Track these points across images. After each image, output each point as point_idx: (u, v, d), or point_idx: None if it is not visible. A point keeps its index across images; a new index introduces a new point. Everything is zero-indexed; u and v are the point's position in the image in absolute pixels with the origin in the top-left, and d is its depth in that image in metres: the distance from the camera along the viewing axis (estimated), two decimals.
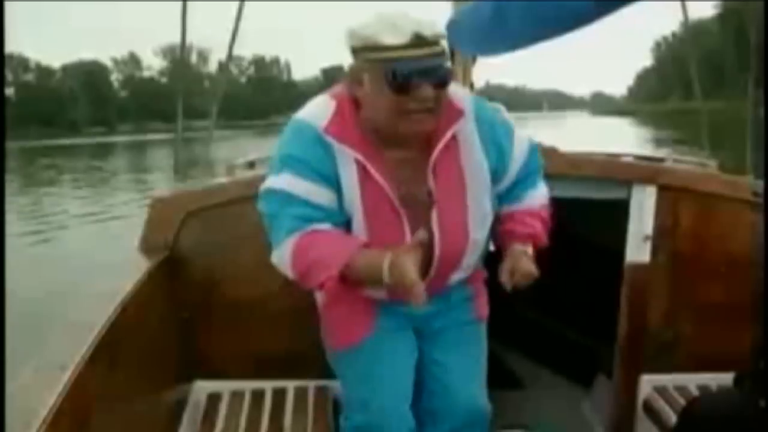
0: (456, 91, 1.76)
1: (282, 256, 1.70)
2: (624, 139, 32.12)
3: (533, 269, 1.78)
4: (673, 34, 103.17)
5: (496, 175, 1.84)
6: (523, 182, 1.94)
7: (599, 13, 1.47)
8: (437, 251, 1.74)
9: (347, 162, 1.67)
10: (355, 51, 1.63)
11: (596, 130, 44.66)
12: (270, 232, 1.74)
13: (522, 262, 1.78)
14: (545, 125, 50.41)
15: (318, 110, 1.70)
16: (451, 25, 2.55)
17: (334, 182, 1.68)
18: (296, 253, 1.65)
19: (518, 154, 1.89)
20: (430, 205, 1.73)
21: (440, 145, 1.70)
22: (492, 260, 2.09)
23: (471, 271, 1.95)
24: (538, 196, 1.98)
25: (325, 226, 1.68)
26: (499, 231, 1.93)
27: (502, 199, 1.93)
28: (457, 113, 1.73)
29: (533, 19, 1.83)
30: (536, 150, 1.97)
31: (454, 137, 1.73)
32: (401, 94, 1.56)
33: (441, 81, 1.59)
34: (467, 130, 1.76)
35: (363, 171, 1.67)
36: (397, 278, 1.51)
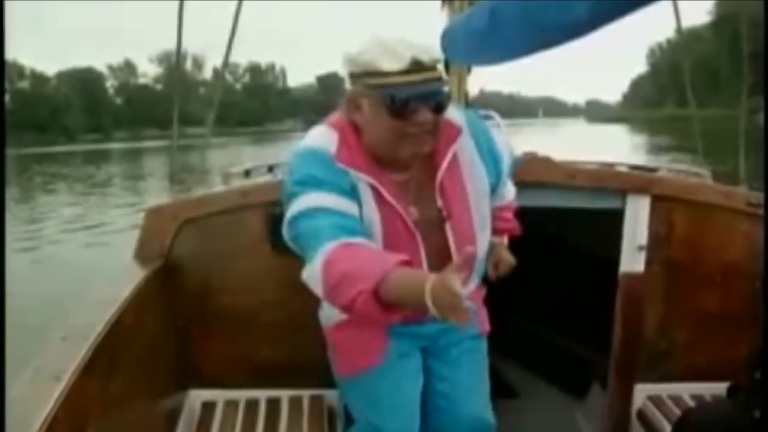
0: (451, 109, 1.77)
1: (313, 268, 1.57)
2: (622, 146, 32.21)
3: (512, 259, 2.03)
4: (668, 41, 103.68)
5: (495, 182, 1.90)
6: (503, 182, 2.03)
7: (594, 25, 1.49)
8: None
9: (363, 187, 1.68)
10: (353, 76, 1.64)
11: (594, 137, 44.74)
12: (305, 252, 1.63)
13: (504, 255, 2.02)
14: (542, 133, 50.55)
15: (323, 139, 1.70)
16: (446, 35, 2.57)
17: (356, 201, 1.67)
18: (328, 264, 1.53)
19: (506, 160, 1.96)
20: (442, 223, 1.75)
21: (444, 165, 1.74)
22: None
23: (476, 284, 1.99)
24: (510, 190, 2.13)
25: (361, 239, 1.60)
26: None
27: None
28: (456, 132, 1.76)
29: (528, 31, 1.84)
30: (511, 152, 2.07)
31: (454, 155, 1.76)
32: (400, 119, 1.58)
33: (439, 105, 1.61)
34: (465, 147, 1.79)
35: (377, 195, 1.69)
36: (446, 298, 1.37)
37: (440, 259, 1.67)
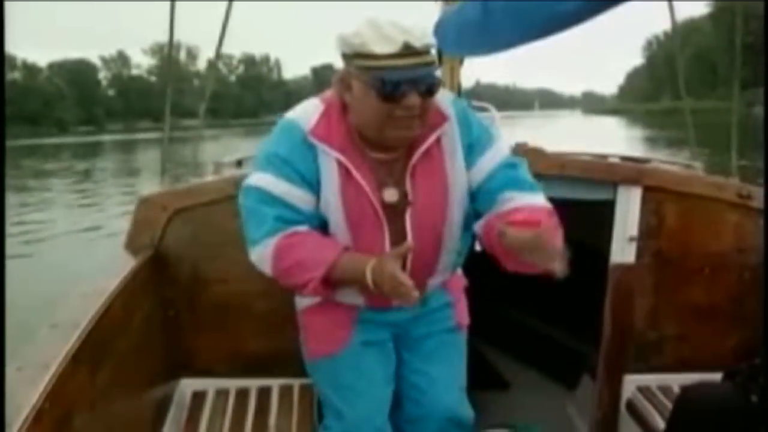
0: (440, 95, 1.77)
1: (262, 255, 1.74)
2: (619, 139, 32.19)
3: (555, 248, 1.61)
4: (665, 33, 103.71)
5: (473, 177, 1.82)
6: (512, 188, 1.80)
7: (583, 16, 1.50)
8: (412, 256, 1.75)
9: (329, 163, 1.70)
10: (346, 57, 1.66)
11: (592, 129, 44.74)
12: (247, 226, 1.78)
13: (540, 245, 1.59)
14: (539, 125, 50.47)
15: (306, 112, 1.75)
16: (439, 26, 2.58)
17: (315, 184, 1.72)
18: (278, 254, 1.71)
19: (494, 154, 1.82)
20: (405, 207, 1.76)
21: (422, 149, 1.73)
22: (477, 262, 2.11)
23: (448, 275, 1.98)
24: (541, 201, 1.84)
25: (304, 228, 1.73)
26: (507, 217, 1.70)
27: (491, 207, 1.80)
28: (441, 118, 1.76)
29: (519, 21, 1.86)
30: (520, 163, 1.88)
31: (437, 141, 1.76)
32: (389, 102, 1.59)
33: (429, 90, 1.62)
34: (451, 135, 1.79)
35: (345, 172, 1.71)
36: (387, 280, 1.57)
37: (400, 244, 1.70)
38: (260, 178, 1.72)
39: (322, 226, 1.77)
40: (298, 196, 1.71)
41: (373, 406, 1.97)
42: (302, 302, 2.02)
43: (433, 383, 2.01)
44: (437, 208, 1.78)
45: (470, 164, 1.81)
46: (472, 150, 1.81)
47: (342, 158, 1.69)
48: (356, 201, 1.72)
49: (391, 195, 1.75)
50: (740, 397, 1.87)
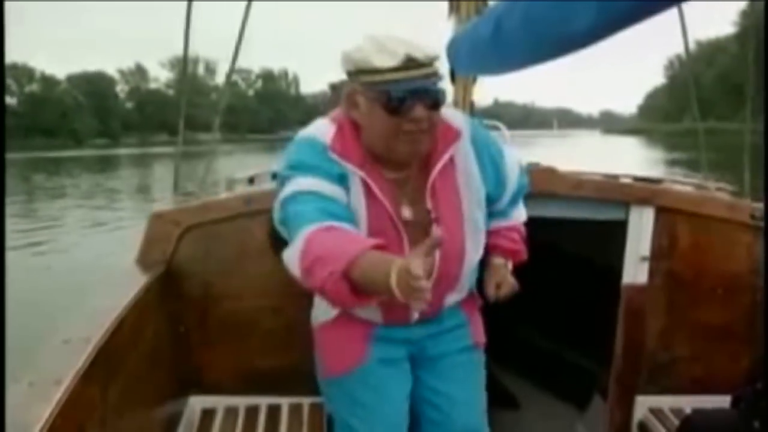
0: (452, 112, 1.82)
1: (292, 252, 1.59)
2: (642, 160, 31.88)
3: (515, 283, 1.96)
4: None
5: (494, 194, 1.90)
6: (511, 201, 2.01)
7: (598, 36, 1.53)
8: (435, 272, 1.71)
9: (353, 179, 1.71)
10: (350, 74, 1.68)
11: (613, 150, 44.39)
12: (291, 236, 1.64)
13: (506, 276, 1.96)
14: (558, 145, 50.26)
15: (319, 130, 1.75)
16: (451, 45, 2.61)
17: (345, 190, 1.70)
18: (307, 246, 1.55)
19: (512, 175, 1.95)
20: (429, 225, 1.76)
21: (438, 166, 1.75)
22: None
23: (465, 293, 1.99)
24: (521, 213, 2.09)
25: (344, 224, 1.62)
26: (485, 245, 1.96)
27: (490, 216, 1.97)
28: (455, 135, 1.78)
29: (532, 40, 1.89)
30: (523, 171, 2.04)
31: (451, 158, 1.78)
32: (395, 116, 1.61)
33: (434, 102, 1.64)
34: (464, 152, 1.81)
35: (367, 190, 1.71)
36: (405, 281, 1.38)
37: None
38: (295, 184, 1.66)
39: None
40: (335, 190, 1.67)
41: (389, 425, 1.96)
42: (318, 318, 1.98)
43: (453, 404, 2.00)
44: (458, 225, 1.80)
45: (496, 183, 1.90)
46: (495, 170, 1.88)
47: (363, 175, 1.70)
48: (379, 219, 1.72)
49: (409, 213, 1.76)
50: (743, 423, 1.87)
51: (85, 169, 36.92)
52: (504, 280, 1.95)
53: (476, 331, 2.08)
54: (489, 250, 1.99)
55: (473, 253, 1.86)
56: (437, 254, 1.69)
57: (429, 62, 1.63)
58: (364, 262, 1.46)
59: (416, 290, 1.35)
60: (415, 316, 1.85)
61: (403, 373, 1.99)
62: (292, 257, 1.59)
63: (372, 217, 1.71)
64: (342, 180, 1.69)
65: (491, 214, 1.98)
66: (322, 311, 1.95)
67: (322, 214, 1.60)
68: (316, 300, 1.97)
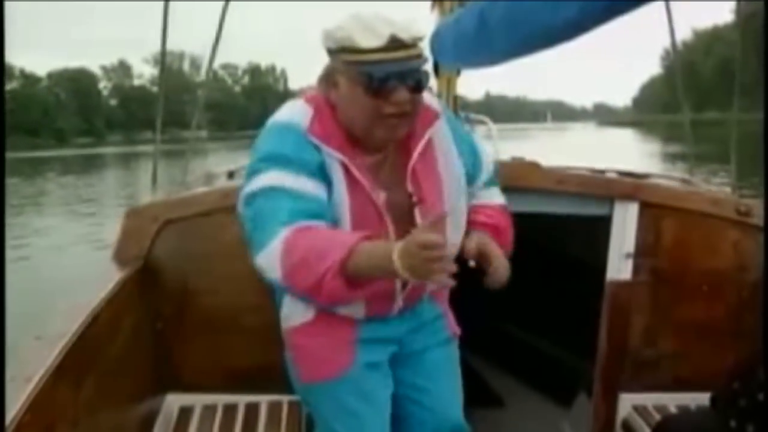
0: (428, 95, 1.81)
1: (270, 255, 1.55)
2: (645, 154, 31.74)
3: (504, 261, 1.86)
4: (684, 43, 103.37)
5: (472, 172, 1.93)
6: (487, 183, 2.05)
7: (583, 27, 1.54)
8: None
9: (333, 164, 1.67)
10: (331, 52, 1.65)
11: (609, 143, 44.29)
12: (254, 233, 1.62)
13: (493, 247, 1.86)
14: (552, 138, 50.23)
15: (295, 113, 1.70)
16: (435, 37, 2.63)
17: (324, 181, 1.66)
18: (288, 248, 1.52)
19: (484, 153, 2.00)
20: (411, 208, 1.75)
21: (419, 148, 1.74)
22: (471, 275, 2.14)
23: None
24: (497, 196, 2.07)
25: (321, 223, 1.60)
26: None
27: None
28: (433, 116, 1.78)
29: (517, 31, 1.90)
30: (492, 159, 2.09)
31: (430, 140, 1.78)
32: (376, 98, 1.58)
33: (417, 84, 1.62)
34: (442, 133, 1.82)
35: (348, 174, 1.68)
36: (415, 254, 1.37)
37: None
38: (268, 178, 1.61)
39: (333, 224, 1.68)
40: (312, 185, 1.62)
41: (375, 430, 1.93)
42: (290, 322, 1.91)
43: (437, 399, 2.01)
44: (439, 207, 1.78)
45: (474, 165, 1.93)
46: (472, 151, 1.92)
47: (343, 158, 1.67)
48: (361, 203, 1.69)
49: (389, 196, 1.73)
50: (720, 422, 1.89)
51: (67, 171, 36.19)
52: (487, 249, 1.84)
53: (451, 322, 2.08)
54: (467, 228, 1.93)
55: (455, 236, 1.84)
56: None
57: (414, 43, 1.61)
58: (360, 250, 1.46)
59: (435, 260, 1.34)
60: (398, 305, 1.83)
61: (387, 376, 1.97)
62: (269, 260, 1.56)
63: (354, 202, 1.68)
64: (320, 169, 1.65)
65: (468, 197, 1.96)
66: (297, 313, 1.88)
67: (297, 214, 1.57)
68: (287, 301, 1.91)
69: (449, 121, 1.88)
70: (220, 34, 3.37)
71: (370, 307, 1.82)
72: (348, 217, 1.68)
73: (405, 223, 1.69)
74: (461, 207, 1.86)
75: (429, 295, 1.97)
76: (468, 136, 1.96)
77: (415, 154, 1.75)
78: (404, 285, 1.78)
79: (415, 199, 1.75)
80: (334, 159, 1.67)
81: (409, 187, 1.75)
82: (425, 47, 1.71)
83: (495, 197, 2.07)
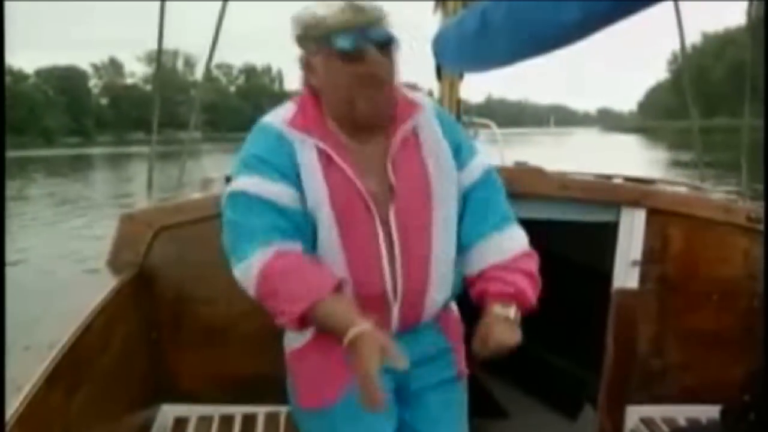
0: (412, 92, 1.87)
1: (248, 273, 1.67)
2: (656, 161, 31.60)
3: (512, 338, 1.72)
4: (693, 46, 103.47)
5: (462, 162, 1.88)
6: (490, 218, 1.88)
7: (585, 30, 1.56)
8: (398, 252, 1.73)
9: (309, 152, 1.72)
10: (300, 39, 1.74)
11: (618, 149, 44.20)
12: (231, 239, 1.72)
13: (497, 330, 1.71)
14: (555, 144, 50.14)
15: (279, 112, 1.80)
16: (438, 39, 2.65)
17: (294, 178, 1.71)
18: (265, 275, 1.64)
19: (476, 166, 1.89)
20: (392, 199, 1.75)
21: (399, 136, 1.77)
22: (472, 313, 2.10)
23: (444, 294, 1.87)
24: (513, 242, 1.88)
25: (297, 245, 1.67)
26: (475, 291, 1.85)
27: (465, 238, 1.86)
28: (415, 106, 1.82)
29: (519, 34, 1.92)
30: (496, 178, 1.92)
31: (414, 132, 1.81)
32: (350, 63, 1.67)
33: (386, 42, 1.69)
34: (428, 125, 1.83)
35: (326, 159, 1.72)
36: (359, 370, 1.46)
37: (388, 235, 1.72)
38: (242, 183, 1.72)
39: (313, 226, 1.72)
40: (285, 193, 1.69)
41: None
42: (293, 341, 1.90)
43: None
44: (421, 198, 1.78)
45: (458, 161, 1.86)
46: (458, 149, 1.86)
47: (321, 144, 1.72)
48: (341, 187, 1.71)
49: (373, 184, 1.74)
50: None
51: (53, 173, 35.52)
52: (492, 334, 1.70)
53: (459, 359, 1.99)
54: (481, 297, 1.81)
55: (443, 232, 1.79)
56: (395, 237, 1.73)
57: (377, 14, 1.69)
58: (322, 309, 1.57)
59: (365, 389, 1.44)
60: (395, 323, 1.79)
61: (389, 408, 1.83)
62: (246, 277, 1.69)
63: (334, 187, 1.70)
64: (296, 165, 1.71)
65: (465, 237, 1.86)
66: (293, 335, 1.88)
67: (275, 232, 1.66)
68: None
69: (445, 121, 1.89)
70: (217, 36, 3.38)
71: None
72: (329, 206, 1.70)
73: (384, 212, 1.73)
74: (451, 207, 1.82)
75: (438, 326, 1.92)
76: (462, 140, 1.91)
77: (396, 142, 1.77)
78: (400, 304, 1.76)
79: (393, 191, 1.75)
80: (311, 147, 1.72)
81: (390, 178, 1.76)
82: (388, 22, 1.74)
83: (517, 241, 1.89)
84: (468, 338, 2.01)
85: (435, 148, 1.82)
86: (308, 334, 1.83)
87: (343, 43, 1.66)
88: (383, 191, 1.76)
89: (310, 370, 1.88)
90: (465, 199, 1.87)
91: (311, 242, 1.73)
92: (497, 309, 1.76)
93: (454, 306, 2.03)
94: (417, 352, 1.80)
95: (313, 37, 1.71)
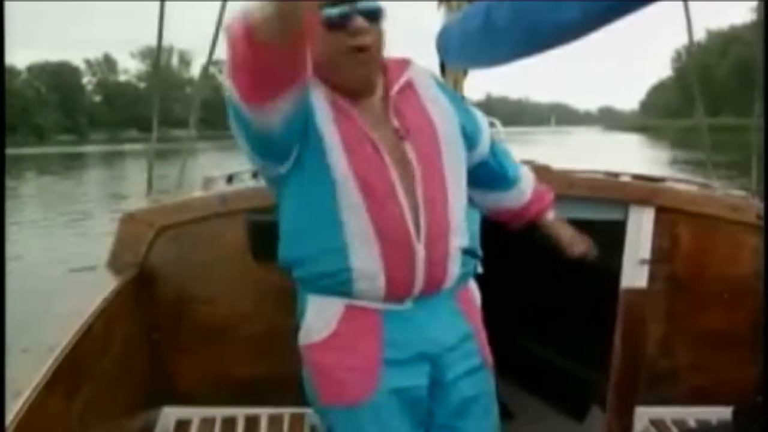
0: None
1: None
2: (659, 160, 31.55)
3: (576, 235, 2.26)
4: (697, 43, 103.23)
5: (471, 139, 1.99)
6: (510, 172, 2.18)
7: (588, 27, 1.57)
8: (419, 190, 1.75)
9: (318, 99, 1.75)
10: None
11: (621, 148, 44.11)
12: None
13: (565, 229, 2.27)
14: (556, 143, 50.15)
15: None
16: (441, 35, 2.66)
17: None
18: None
19: (484, 125, 2.10)
20: (401, 141, 1.79)
21: (396, 87, 1.83)
22: (481, 286, 2.07)
23: (464, 239, 1.87)
24: (530, 175, 2.28)
25: None
26: (521, 214, 2.23)
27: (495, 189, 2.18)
28: (405, 62, 1.90)
29: (522, 32, 1.94)
30: (495, 139, 2.19)
31: (409, 83, 1.87)
32: (338, 31, 1.69)
33: (373, 12, 1.72)
34: (422, 79, 1.92)
35: (336, 109, 1.76)
36: None
37: (407, 171, 1.75)
38: None
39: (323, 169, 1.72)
40: None
41: None
42: (310, 336, 1.84)
43: None
44: (429, 138, 1.84)
45: (470, 126, 1.99)
46: (466, 113, 2.00)
47: (333, 98, 1.76)
48: (353, 134, 1.75)
49: (380, 133, 1.77)
50: None
51: (45, 172, 35.25)
52: (564, 234, 2.25)
53: (483, 345, 1.98)
54: (531, 221, 2.24)
55: (454, 173, 1.85)
56: (414, 162, 1.76)
57: None
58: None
59: None
60: (420, 273, 1.76)
61: (419, 406, 1.85)
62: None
63: (344, 131, 1.74)
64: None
65: (495, 188, 2.18)
66: (319, 327, 1.82)
67: None
68: (309, 313, 1.84)
69: (437, 81, 1.98)
70: (217, 36, 3.38)
71: (390, 284, 1.75)
72: (341, 148, 1.73)
73: (398, 153, 1.77)
74: (459, 143, 1.90)
75: (459, 308, 1.91)
76: (461, 98, 2.05)
77: (394, 92, 1.82)
78: (424, 246, 1.75)
79: (402, 132, 1.80)
80: (320, 96, 1.76)
81: (395, 123, 1.80)
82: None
83: (527, 179, 2.26)
84: (487, 325, 2.06)
85: (433, 96, 1.92)
86: (332, 327, 1.80)
87: (331, 11, 1.69)
88: (391, 137, 1.80)
89: (334, 364, 1.81)
90: (480, 166, 2.08)
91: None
92: (549, 217, 2.27)
93: (473, 285, 2.02)
94: (437, 329, 1.84)
95: None
